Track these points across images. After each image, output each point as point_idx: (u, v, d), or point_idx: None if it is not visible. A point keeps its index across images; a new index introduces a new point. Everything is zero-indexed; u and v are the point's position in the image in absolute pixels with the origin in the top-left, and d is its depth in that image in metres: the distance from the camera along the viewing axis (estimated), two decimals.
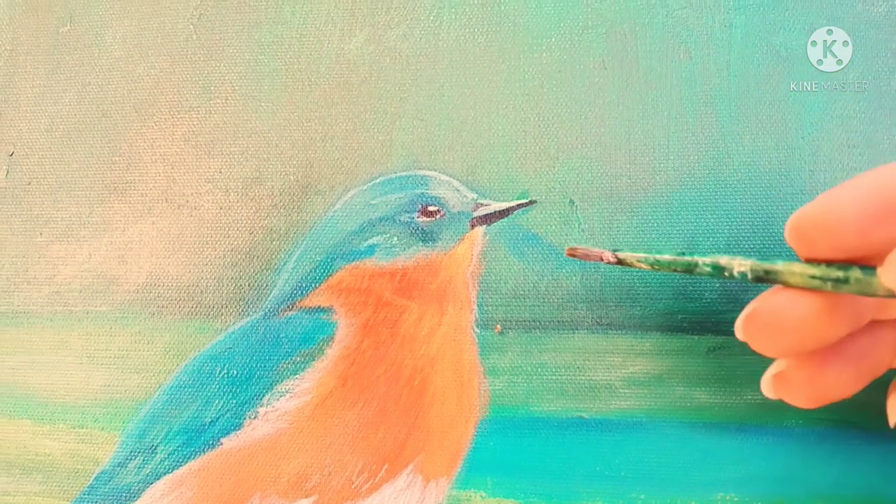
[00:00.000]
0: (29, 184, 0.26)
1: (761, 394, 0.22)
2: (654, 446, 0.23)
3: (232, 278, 0.25)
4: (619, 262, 0.21)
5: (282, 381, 0.24)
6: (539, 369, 0.23)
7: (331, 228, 0.25)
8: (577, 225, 0.24)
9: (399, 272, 0.24)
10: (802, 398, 0.18)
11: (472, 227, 0.24)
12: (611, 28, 0.24)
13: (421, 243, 0.24)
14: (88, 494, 0.24)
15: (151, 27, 0.26)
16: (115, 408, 0.25)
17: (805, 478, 0.22)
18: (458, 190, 0.24)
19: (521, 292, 0.24)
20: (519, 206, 0.24)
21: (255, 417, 0.24)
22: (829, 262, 0.17)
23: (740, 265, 0.18)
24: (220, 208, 0.25)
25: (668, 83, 0.24)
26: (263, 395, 0.24)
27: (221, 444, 0.24)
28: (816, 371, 0.18)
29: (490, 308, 0.24)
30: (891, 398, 0.19)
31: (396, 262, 0.24)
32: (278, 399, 0.24)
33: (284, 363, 0.24)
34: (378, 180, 0.25)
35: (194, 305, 0.25)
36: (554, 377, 0.23)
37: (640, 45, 0.24)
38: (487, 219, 0.24)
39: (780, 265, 0.17)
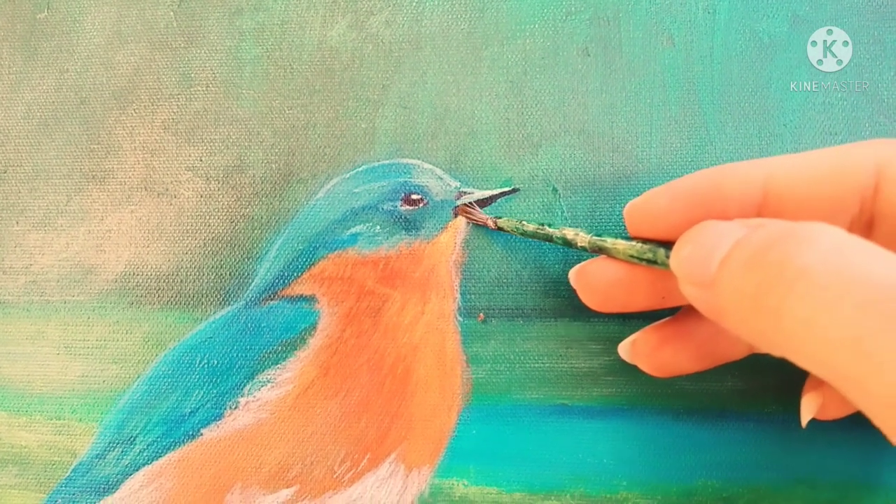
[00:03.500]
0: (5, 171, 0.26)
1: (742, 381, 0.23)
2: (636, 433, 0.23)
3: (212, 267, 0.25)
4: (499, 228, 0.23)
5: (263, 370, 0.24)
6: (522, 357, 0.23)
7: (313, 217, 0.24)
8: (559, 213, 0.24)
9: (382, 261, 0.24)
10: (647, 366, 0.21)
11: (455, 215, 0.24)
12: (594, 14, 0.24)
13: (404, 232, 0.24)
14: (66, 487, 0.24)
15: (131, 14, 0.26)
16: (93, 398, 0.24)
17: (785, 463, 0.22)
18: (441, 178, 0.24)
19: (504, 280, 0.24)
20: (502, 194, 0.24)
21: (235, 407, 0.24)
22: (652, 241, 0.19)
23: (582, 239, 0.20)
24: (201, 197, 0.25)
25: (651, 70, 0.24)
26: (244, 385, 0.24)
27: (202, 434, 0.24)
28: (658, 346, 0.20)
29: (473, 296, 0.24)
30: (804, 398, 0.20)
31: (379, 250, 0.24)
32: (259, 389, 0.24)
33: (266, 352, 0.24)
34: (361, 168, 0.24)
35: (174, 295, 0.25)
36: (536, 365, 0.23)
37: (624, 31, 0.24)
38: (469, 214, 0.24)
39: (609, 242, 0.19)
